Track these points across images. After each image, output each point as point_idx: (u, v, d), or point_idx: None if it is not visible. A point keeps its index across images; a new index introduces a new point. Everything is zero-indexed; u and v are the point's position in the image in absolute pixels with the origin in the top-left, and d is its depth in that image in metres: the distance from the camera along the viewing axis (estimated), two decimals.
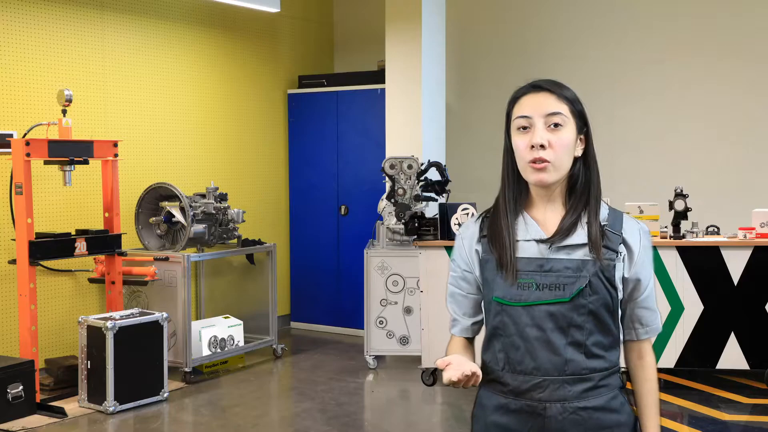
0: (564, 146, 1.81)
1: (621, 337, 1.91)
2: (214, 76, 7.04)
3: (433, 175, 6.25)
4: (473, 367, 1.74)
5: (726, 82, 6.57)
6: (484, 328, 1.97)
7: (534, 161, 1.81)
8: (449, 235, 5.54)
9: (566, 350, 1.81)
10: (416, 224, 5.77)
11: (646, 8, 6.86)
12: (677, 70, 6.74)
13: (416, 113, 6.69)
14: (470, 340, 2.02)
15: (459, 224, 5.54)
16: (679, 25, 6.73)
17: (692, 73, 6.69)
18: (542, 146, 1.80)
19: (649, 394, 1.92)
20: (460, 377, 1.72)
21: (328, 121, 7.47)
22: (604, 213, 1.87)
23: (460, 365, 1.74)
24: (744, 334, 5.33)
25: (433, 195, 6.23)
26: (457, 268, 1.97)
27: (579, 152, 1.86)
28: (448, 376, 1.74)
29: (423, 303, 5.61)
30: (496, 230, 1.88)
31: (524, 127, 1.83)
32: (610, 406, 1.84)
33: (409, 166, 6.15)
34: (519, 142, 1.84)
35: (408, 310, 6.11)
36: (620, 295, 1.85)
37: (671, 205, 5.43)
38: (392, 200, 6.17)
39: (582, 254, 1.82)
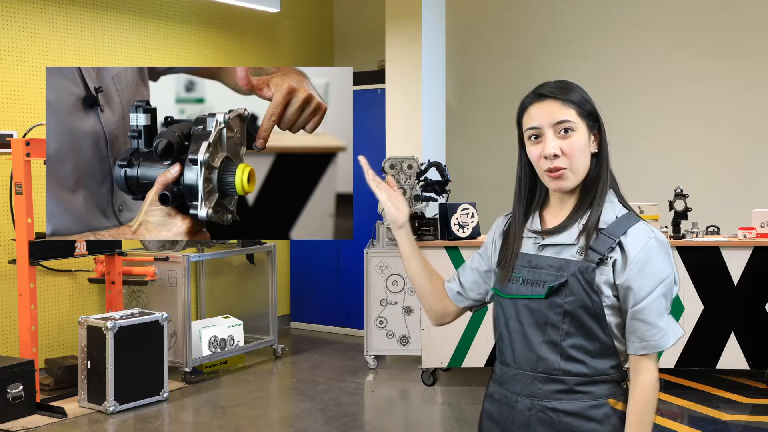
0: (577, 150, 1.81)
1: (617, 346, 1.82)
2: None
3: (433, 175, 6.25)
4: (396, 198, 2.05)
5: (726, 82, 6.57)
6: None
7: (549, 171, 1.82)
8: (449, 235, 5.55)
9: (540, 347, 1.81)
10: (416, 224, 5.77)
11: (646, 8, 6.86)
12: (677, 70, 6.74)
13: (416, 113, 6.68)
14: (442, 287, 2.10)
15: (459, 224, 5.54)
16: (680, 25, 6.73)
17: (692, 73, 6.69)
18: (555, 155, 1.80)
19: (635, 413, 1.79)
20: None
21: None
22: (611, 216, 1.83)
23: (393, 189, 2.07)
24: (744, 334, 5.33)
25: (433, 195, 6.23)
26: (482, 247, 2.06)
27: (594, 148, 1.85)
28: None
29: None
30: (508, 232, 1.95)
31: (536, 136, 1.84)
32: (587, 414, 1.79)
33: (409, 166, 6.16)
34: (533, 151, 1.85)
35: (408, 310, 6.11)
36: (607, 301, 1.79)
37: (671, 205, 5.43)
38: None
39: (569, 254, 1.81)
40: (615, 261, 1.79)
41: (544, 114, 1.82)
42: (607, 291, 1.79)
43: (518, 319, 1.85)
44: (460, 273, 2.07)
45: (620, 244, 1.79)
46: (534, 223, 1.90)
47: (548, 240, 1.85)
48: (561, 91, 1.83)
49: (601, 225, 1.82)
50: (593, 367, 1.80)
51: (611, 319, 1.80)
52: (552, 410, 1.81)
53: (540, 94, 1.84)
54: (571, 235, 1.83)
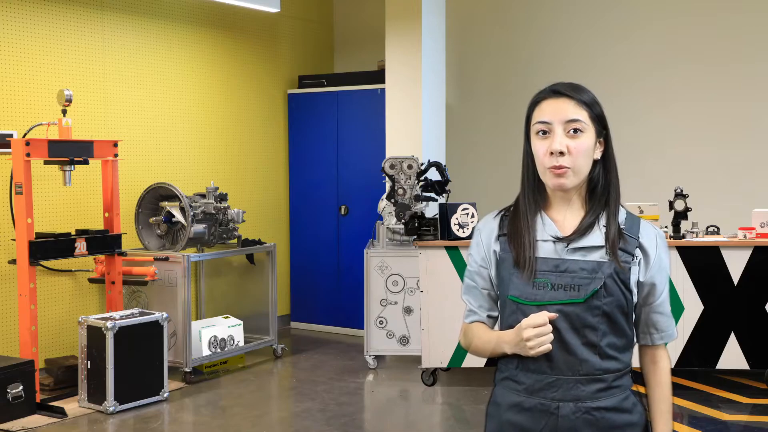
0: (583, 152, 1.83)
1: (635, 339, 1.92)
2: (214, 76, 7.04)
3: (433, 175, 6.25)
4: (538, 319, 1.79)
5: (726, 82, 6.56)
6: (498, 325, 1.98)
7: (552, 168, 1.82)
8: (449, 235, 5.54)
9: (581, 350, 1.82)
10: (416, 224, 5.77)
11: (646, 9, 6.86)
12: (678, 70, 6.74)
13: (416, 113, 6.68)
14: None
15: (459, 224, 5.54)
16: (680, 26, 6.73)
17: (693, 73, 6.69)
18: (561, 153, 1.81)
19: (662, 400, 1.95)
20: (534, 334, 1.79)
21: (328, 121, 7.47)
22: (621, 216, 1.89)
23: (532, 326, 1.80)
24: (744, 334, 5.33)
25: (433, 195, 6.23)
26: (474, 263, 1.99)
27: (598, 155, 1.88)
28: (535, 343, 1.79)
29: (423, 303, 5.61)
30: (515, 230, 1.90)
31: (544, 132, 1.84)
32: (622, 407, 1.86)
33: (409, 166, 6.15)
34: (538, 146, 1.85)
35: (408, 310, 6.11)
36: (635, 299, 1.87)
37: (671, 205, 5.43)
38: (392, 200, 6.17)
39: (598, 256, 1.84)
40: (640, 260, 1.87)
41: (556, 110, 1.83)
42: (635, 289, 1.87)
43: (552, 326, 1.80)
44: (471, 301, 1.98)
45: (639, 244, 1.87)
46: (548, 226, 1.88)
47: (576, 243, 1.85)
48: (576, 91, 1.86)
49: (620, 225, 1.88)
50: (623, 362, 1.87)
51: (634, 314, 1.90)
52: (596, 409, 1.83)
53: (555, 90, 1.86)
54: (596, 237, 1.85)
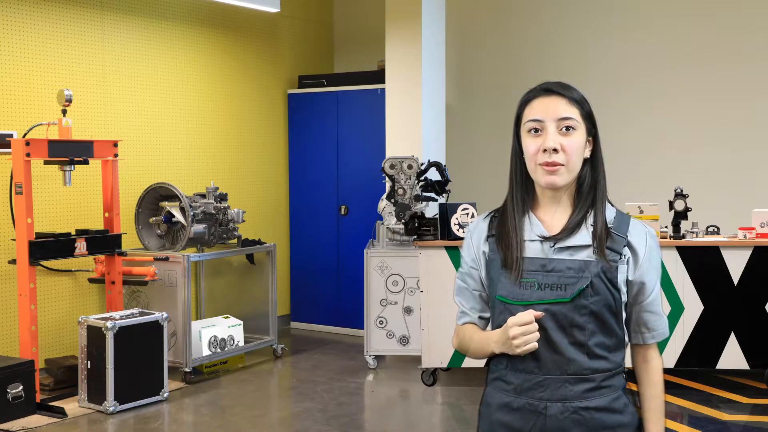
0: (576, 150, 1.83)
1: (626, 339, 1.91)
2: (214, 76, 7.04)
3: (433, 175, 6.25)
4: (524, 317, 1.78)
5: (727, 82, 6.56)
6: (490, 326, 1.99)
7: (546, 164, 1.82)
8: (449, 235, 5.54)
9: (568, 350, 1.82)
10: (416, 224, 5.77)
11: (646, 9, 6.86)
12: (677, 70, 6.74)
13: (416, 113, 6.68)
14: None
15: (459, 224, 5.54)
16: (680, 26, 6.73)
17: (693, 73, 6.69)
18: (555, 150, 1.81)
19: (653, 398, 1.93)
20: (519, 333, 1.79)
21: (328, 121, 7.47)
22: (610, 215, 1.88)
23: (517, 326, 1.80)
24: (744, 334, 5.33)
25: (433, 195, 6.23)
26: (465, 265, 2.00)
27: (587, 154, 1.88)
28: (521, 341, 1.79)
29: (423, 303, 5.61)
30: (503, 230, 1.90)
31: (536, 130, 1.84)
32: (612, 407, 1.84)
33: (409, 166, 6.15)
34: (530, 144, 1.85)
35: (408, 310, 6.11)
36: (624, 298, 1.86)
37: (671, 205, 5.43)
38: (392, 200, 6.17)
39: (585, 255, 1.83)
40: (628, 259, 1.86)
41: (549, 108, 1.84)
42: (624, 288, 1.85)
43: (539, 325, 1.80)
44: (463, 303, 2.00)
45: (628, 242, 1.86)
46: (535, 226, 1.88)
47: (563, 243, 1.85)
48: (567, 89, 1.87)
49: (608, 224, 1.87)
50: (613, 361, 1.86)
51: (623, 314, 1.89)
52: (584, 409, 1.83)
53: (546, 89, 1.86)
54: (583, 236, 1.85)
